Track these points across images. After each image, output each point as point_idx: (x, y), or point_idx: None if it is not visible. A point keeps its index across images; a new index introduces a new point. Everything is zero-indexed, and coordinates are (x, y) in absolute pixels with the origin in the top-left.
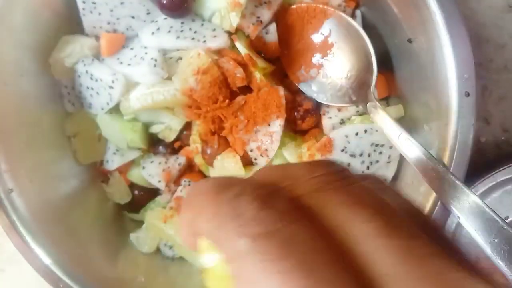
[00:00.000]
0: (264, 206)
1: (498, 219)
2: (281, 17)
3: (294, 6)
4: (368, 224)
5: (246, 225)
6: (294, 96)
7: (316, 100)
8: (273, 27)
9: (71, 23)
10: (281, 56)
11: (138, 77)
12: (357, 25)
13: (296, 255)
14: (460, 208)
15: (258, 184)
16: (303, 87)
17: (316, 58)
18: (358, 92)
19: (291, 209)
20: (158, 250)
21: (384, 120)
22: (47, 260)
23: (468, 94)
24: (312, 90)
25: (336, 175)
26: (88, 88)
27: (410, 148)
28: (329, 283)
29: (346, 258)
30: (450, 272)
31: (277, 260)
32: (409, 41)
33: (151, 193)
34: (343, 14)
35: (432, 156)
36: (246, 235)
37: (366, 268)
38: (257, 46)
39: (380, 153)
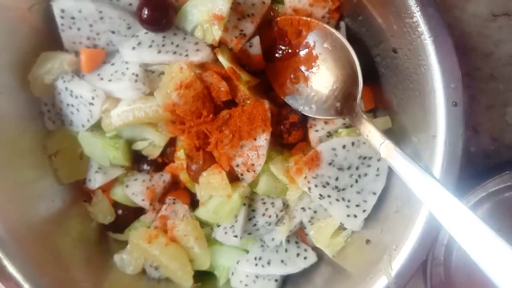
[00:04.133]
0: None
1: (490, 232)
2: (265, 29)
3: (278, 19)
4: None
5: None
6: (280, 109)
7: (302, 113)
8: (256, 40)
9: (50, 39)
10: (266, 69)
11: (119, 93)
12: (341, 36)
13: None
14: (451, 220)
15: None
16: (289, 100)
17: (301, 71)
18: (344, 104)
19: None
20: (143, 271)
21: (371, 133)
22: (25, 285)
23: (455, 104)
24: (298, 103)
25: None
26: (68, 105)
27: (398, 160)
28: None
29: None
30: None
31: None
32: (394, 51)
33: (135, 212)
34: (327, 26)
35: (421, 167)
36: None
37: None
38: (241, 59)
39: (369, 166)
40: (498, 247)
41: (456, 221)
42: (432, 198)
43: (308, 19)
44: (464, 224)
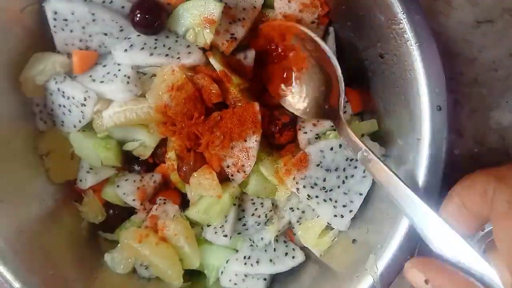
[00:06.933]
0: None
1: (460, 238)
2: (256, 34)
3: (265, 24)
4: None
5: None
6: (272, 111)
7: (295, 114)
8: (251, 54)
9: (42, 40)
10: (260, 74)
11: (111, 94)
12: (320, 39)
13: None
14: (425, 226)
15: None
16: (282, 102)
17: (292, 72)
18: (329, 107)
19: None
20: (134, 270)
21: (351, 139)
22: (16, 284)
23: (439, 108)
24: (290, 105)
25: None
26: (60, 106)
27: (376, 167)
28: None
29: None
30: None
31: None
32: (381, 56)
33: (126, 212)
34: (305, 29)
35: (397, 175)
36: None
37: None
38: (233, 63)
39: (355, 167)
40: (467, 254)
41: (429, 227)
42: (409, 206)
43: (288, 23)
44: (437, 231)
